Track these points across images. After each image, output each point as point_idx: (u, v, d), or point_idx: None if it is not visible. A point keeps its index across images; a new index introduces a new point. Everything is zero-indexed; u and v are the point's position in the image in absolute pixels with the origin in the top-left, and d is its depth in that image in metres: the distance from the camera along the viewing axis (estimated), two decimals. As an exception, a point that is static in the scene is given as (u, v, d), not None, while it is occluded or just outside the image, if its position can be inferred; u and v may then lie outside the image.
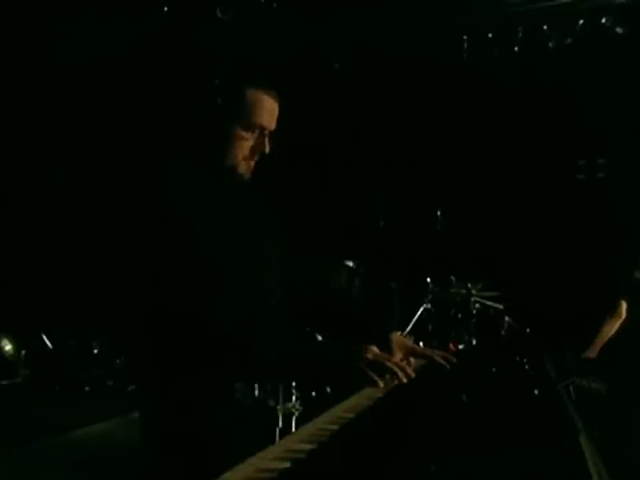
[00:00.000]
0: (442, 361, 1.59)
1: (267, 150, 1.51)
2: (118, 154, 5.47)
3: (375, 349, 1.40)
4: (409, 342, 1.71)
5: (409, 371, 1.37)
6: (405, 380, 1.35)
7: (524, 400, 1.27)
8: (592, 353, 3.93)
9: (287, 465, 0.85)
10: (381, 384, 1.33)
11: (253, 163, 1.52)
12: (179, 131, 1.70)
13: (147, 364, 1.45)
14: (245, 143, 1.49)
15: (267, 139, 1.51)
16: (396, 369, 1.35)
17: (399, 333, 1.71)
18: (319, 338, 1.77)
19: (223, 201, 1.51)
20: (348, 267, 3.80)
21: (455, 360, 1.60)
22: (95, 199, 5.65)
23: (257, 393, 1.42)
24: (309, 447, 0.95)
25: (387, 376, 1.36)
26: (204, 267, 1.38)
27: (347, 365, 1.37)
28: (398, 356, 1.59)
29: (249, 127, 1.48)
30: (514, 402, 1.25)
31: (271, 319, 1.50)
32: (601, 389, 3.88)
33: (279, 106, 1.54)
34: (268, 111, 1.50)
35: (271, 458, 0.93)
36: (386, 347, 1.56)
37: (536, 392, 1.29)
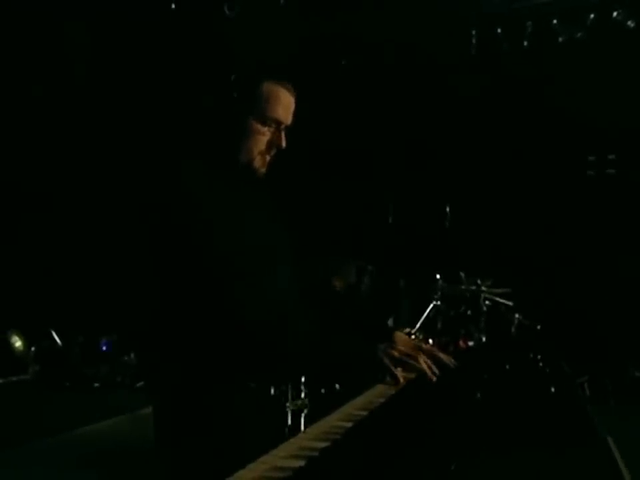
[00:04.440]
0: (446, 360, 1.57)
1: (284, 145, 1.49)
2: (131, 149, 5.47)
3: (402, 344, 1.39)
4: (413, 340, 1.69)
5: (435, 369, 1.38)
6: (434, 378, 1.36)
7: (542, 397, 1.25)
8: None
9: (301, 463, 0.84)
10: (401, 379, 1.34)
11: (268, 158, 1.50)
12: (193, 125, 1.68)
13: (161, 361, 1.45)
14: (262, 138, 1.47)
15: (283, 134, 1.49)
16: (425, 368, 1.36)
17: (407, 330, 1.70)
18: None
19: (236, 196, 1.49)
20: (357, 264, 3.78)
21: (455, 363, 1.58)
22: (106, 195, 5.66)
23: (272, 391, 1.41)
24: (322, 444, 0.94)
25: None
26: (214, 264, 1.36)
27: (373, 360, 1.38)
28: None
29: (265, 121, 1.46)
30: (531, 399, 1.23)
31: (290, 316, 1.48)
32: None
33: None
34: (284, 105, 1.48)
35: (283, 456, 0.91)
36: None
37: (552, 389, 1.28)
